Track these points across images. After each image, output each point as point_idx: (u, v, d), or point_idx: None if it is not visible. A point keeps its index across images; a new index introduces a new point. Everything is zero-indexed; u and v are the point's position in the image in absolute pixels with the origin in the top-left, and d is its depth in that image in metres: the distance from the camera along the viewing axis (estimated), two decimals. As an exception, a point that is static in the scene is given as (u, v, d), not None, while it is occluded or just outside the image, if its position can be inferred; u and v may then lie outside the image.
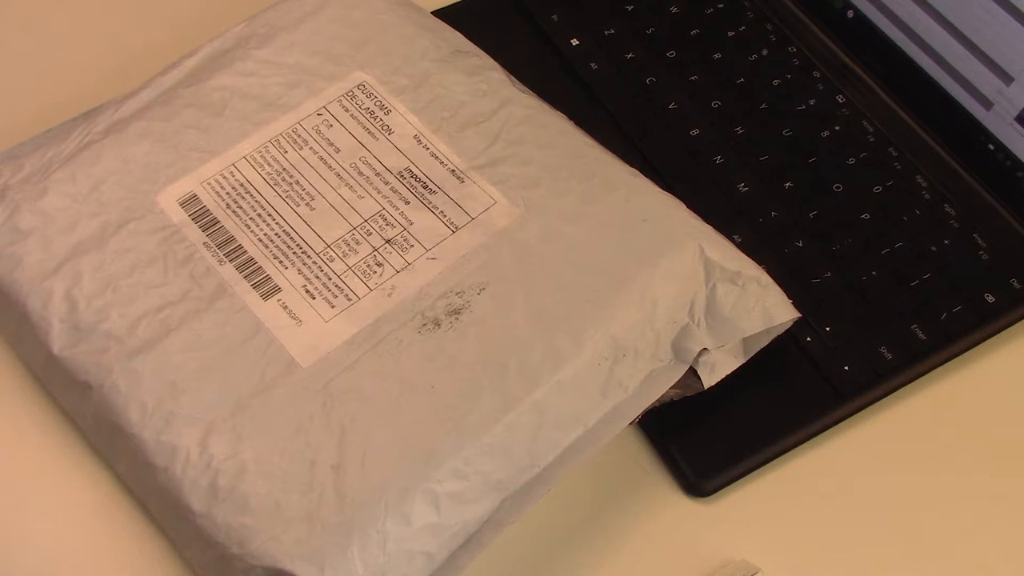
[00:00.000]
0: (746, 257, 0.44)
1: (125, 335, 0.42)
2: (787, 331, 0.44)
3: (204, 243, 0.44)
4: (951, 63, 0.53)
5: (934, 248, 0.50)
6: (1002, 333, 0.49)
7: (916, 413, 0.47)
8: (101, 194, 0.45)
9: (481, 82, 0.48)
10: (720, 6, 0.58)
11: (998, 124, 0.52)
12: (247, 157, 0.46)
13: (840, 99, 0.55)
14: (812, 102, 0.55)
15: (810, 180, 0.52)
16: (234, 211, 0.45)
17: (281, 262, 0.44)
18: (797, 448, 0.46)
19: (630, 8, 0.58)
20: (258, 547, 0.38)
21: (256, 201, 0.45)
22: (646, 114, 0.54)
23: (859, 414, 0.47)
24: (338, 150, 0.47)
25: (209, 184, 0.46)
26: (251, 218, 0.45)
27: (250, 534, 0.38)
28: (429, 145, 0.47)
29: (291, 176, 0.46)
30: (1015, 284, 0.49)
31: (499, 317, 0.42)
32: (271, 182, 0.46)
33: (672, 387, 0.43)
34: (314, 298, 0.43)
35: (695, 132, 0.54)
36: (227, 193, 0.46)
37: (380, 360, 0.41)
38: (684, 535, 0.44)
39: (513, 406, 0.40)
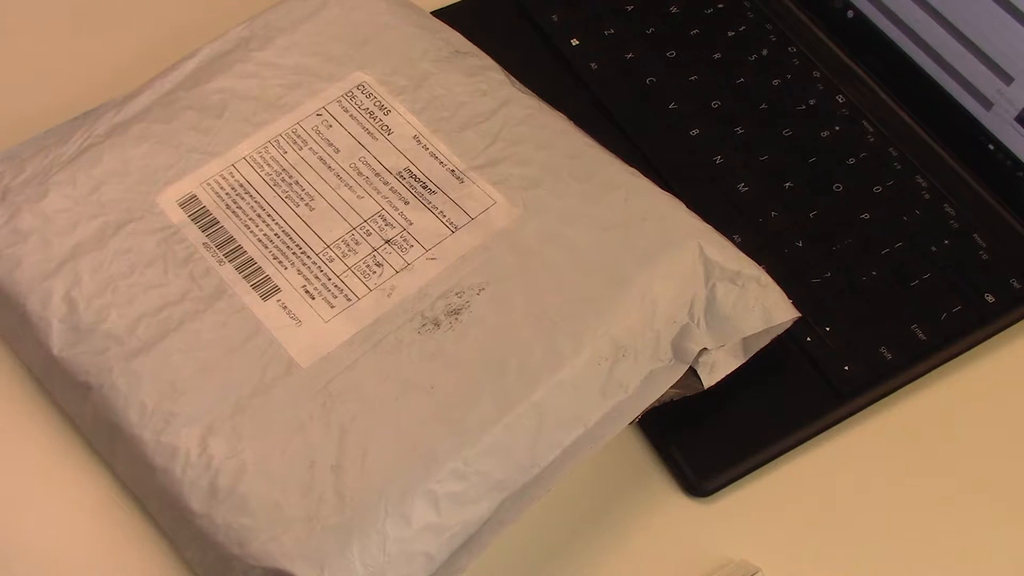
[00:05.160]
0: (746, 257, 0.44)
1: (125, 335, 0.42)
2: (787, 331, 0.44)
3: (204, 243, 0.44)
4: (951, 63, 0.53)
5: (934, 248, 0.50)
6: (1002, 333, 0.49)
7: (916, 413, 0.47)
8: (101, 195, 0.45)
9: (481, 82, 0.48)
10: (720, 6, 0.58)
11: (998, 124, 0.52)
12: (247, 158, 0.47)
13: (840, 99, 0.55)
14: (812, 102, 0.55)
15: (810, 180, 0.52)
16: (234, 211, 0.45)
17: (280, 262, 0.44)
18: (797, 448, 0.46)
19: (630, 8, 0.58)
20: (258, 548, 0.38)
21: (256, 201, 0.45)
22: (646, 114, 0.54)
23: (859, 414, 0.47)
24: (337, 150, 0.47)
25: (209, 185, 0.46)
26: (251, 218, 0.45)
27: (250, 535, 0.38)
28: (428, 145, 0.47)
29: (291, 176, 0.46)
30: (1015, 284, 0.49)
31: (499, 317, 0.42)
32: (271, 182, 0.46)
33: (672, 387, 0.43)
34: (313, 298, 0.43)
35: (695, 132, 0.54)
36: (227, 194, 0.46)
37: (380, 360, 0.41)
38: (684, 535, 0.44)
39: (513, 406, 0.40)
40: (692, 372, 0.43)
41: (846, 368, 0.47)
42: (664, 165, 0.52)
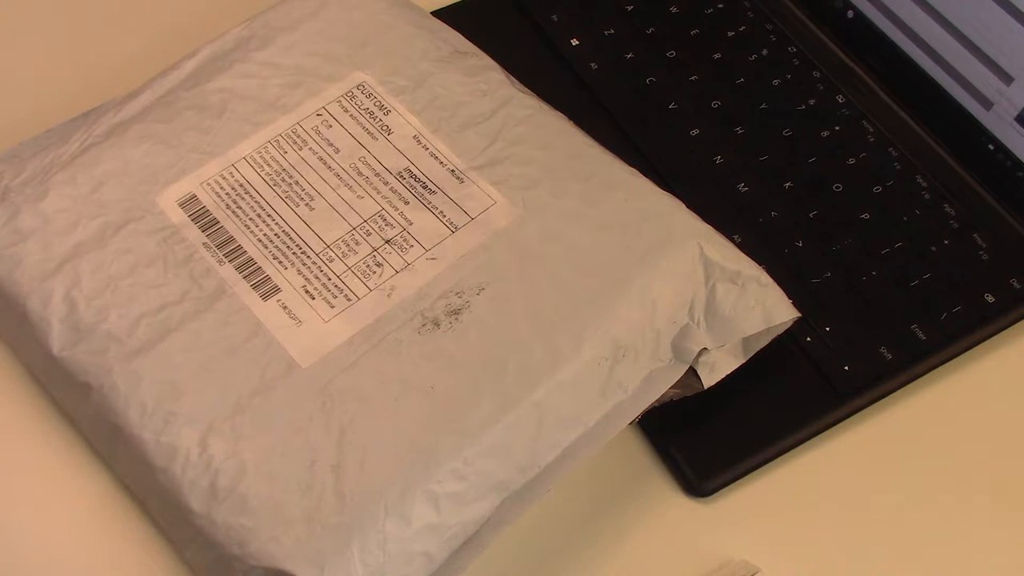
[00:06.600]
0: (746, 257, 0.44)
1: (125, 335, 0.42)
2: (787, 331, 0.44)
3: (204, 243, 0.44)
4: (951, 63, 0.53)
5: (934, 248, 0.50)
6: (1002, 333, 0.49)
7: (916, 413, 0.47)
8: (101, 195, 0.45)
9: (480, 82, 0.48)
10: (720, 6, 0.58)
11: (998, 124, 0.52)
12: (247, 158, 0.47)
13: (840, 99, 0.55)
14: (812, 102, 0.55)
15: (810, 180, 0.52)
16: (234, 211, 0.45)
17: (281, 262, 0.44)
18: (797, 448, 0.46)
19: (630, 8, 0.58)
20: (258, 548, 0.38)
21: (256, 201, 0.45)
22: (646, 114, 0.54)
23: (859, 414, 0.47)
24: (337, 150, 0.47)
25: (209, 185, 0.46)
26: (251, 218, 0.45)
27: (250, 535, 0.38)
28: (428, 145, 0.47)
29: (291, 176, 0.46)
30: (1015, 284, 0.49)
31: (499, 317, 0.42)
32: (271, 182, 0.46)
33: (672, 387, 0.43)
34: (314, 298, 0.43)
35: (695, 132, 0.54)
36: (227, 194, 0.46)
37: (380, 360, 0.41)
38: (684, 535, 0.44)
39: (513, 406, 0.40)
40: (692, 372, 0.43)
41: (846, 368, 0.47)
42: (664, 165, 0.52)
